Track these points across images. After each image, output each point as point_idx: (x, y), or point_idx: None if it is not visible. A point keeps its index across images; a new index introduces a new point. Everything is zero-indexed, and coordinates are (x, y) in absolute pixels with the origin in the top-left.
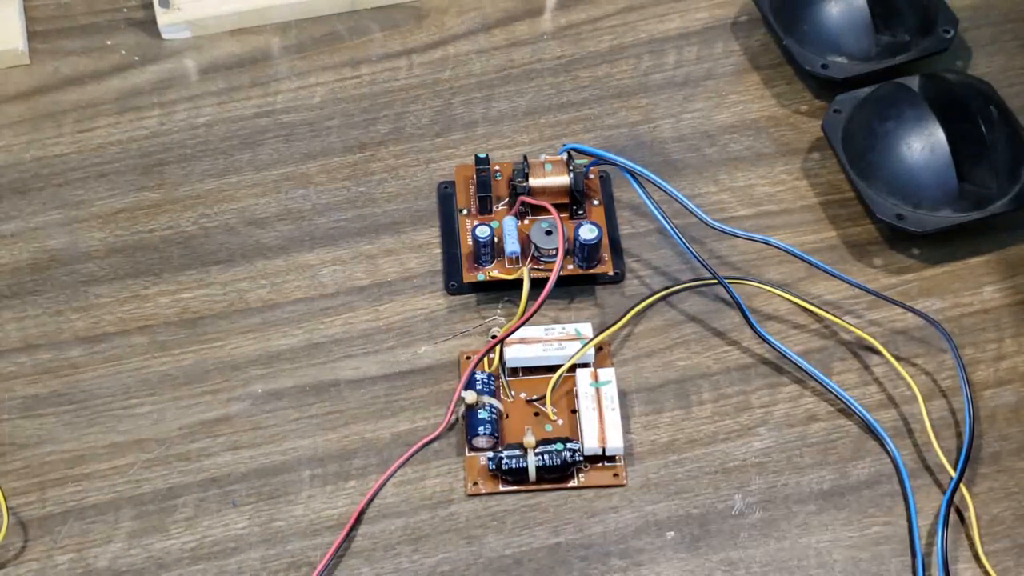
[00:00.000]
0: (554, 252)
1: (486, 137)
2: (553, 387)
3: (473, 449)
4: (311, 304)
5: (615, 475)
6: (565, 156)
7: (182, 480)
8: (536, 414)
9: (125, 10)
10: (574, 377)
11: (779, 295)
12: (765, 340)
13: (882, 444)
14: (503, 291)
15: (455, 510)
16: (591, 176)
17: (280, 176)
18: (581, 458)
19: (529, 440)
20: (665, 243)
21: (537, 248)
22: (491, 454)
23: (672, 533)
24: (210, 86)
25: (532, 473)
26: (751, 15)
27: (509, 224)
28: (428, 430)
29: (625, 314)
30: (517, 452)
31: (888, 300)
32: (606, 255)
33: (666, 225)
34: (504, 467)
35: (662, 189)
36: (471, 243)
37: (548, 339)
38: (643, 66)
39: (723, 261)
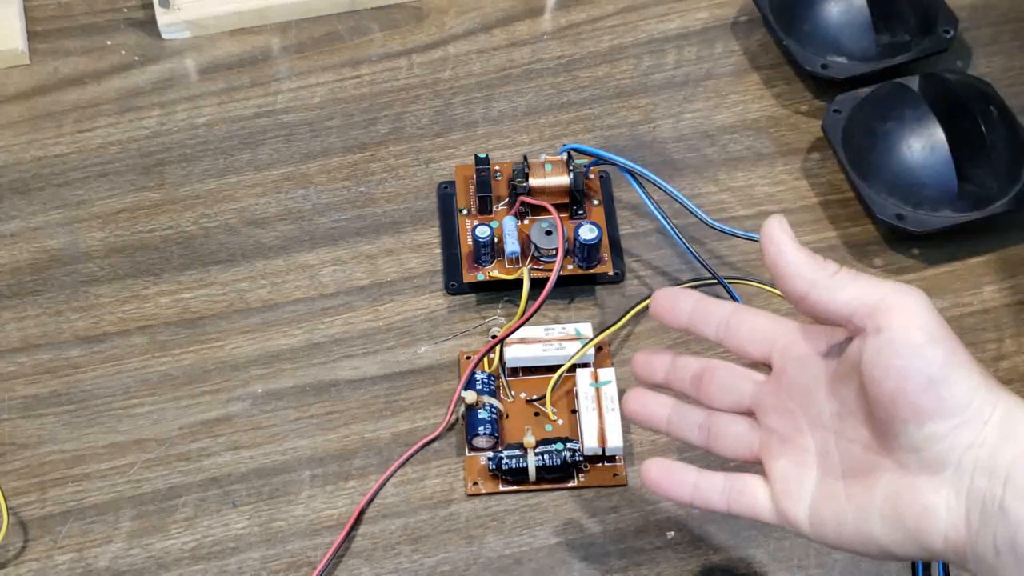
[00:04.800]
0: (554, 252)
1: (486, 137)
2: (553, 387)
3: (473, 449)
4: (311, 304)
5: (615, 475)
6: (565, 156)
7: (182, 480)
8: (536, 414)
9: (125, 10)
10: (574, 377)
11: (779, 295)
12: None
13: None
14: (503, 291)
15: (455, 510)
16: (591, 176)
17: (280, 176)
18: (581, 458)
19: (529, 440)
20: (665, 243)
21: (537, 248)
22: (491, 454)
23: (672, 533)
24: (210, 86)
25: (532, 473)
26: (751, 15)
27: (509, 224)
28: (428, 430)
29: (625, 314)
30: (517, 452)
31: None
32: (606, 255)
33: (666, 225)
34: (504, 467)
35: (662, 189)
36: (471, 243)
37: (548, 339)
38: (643, 66)
39: (723, 261)
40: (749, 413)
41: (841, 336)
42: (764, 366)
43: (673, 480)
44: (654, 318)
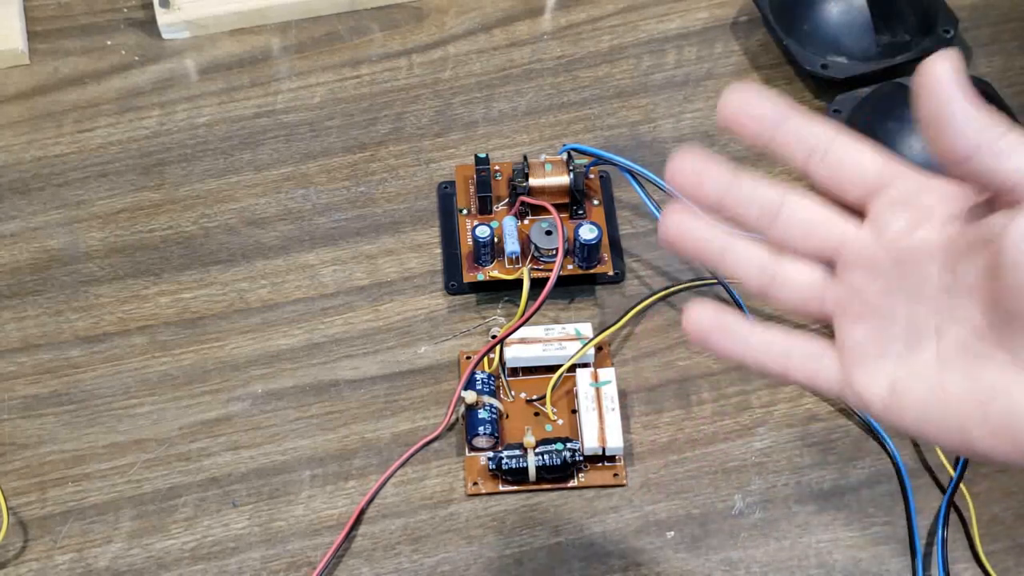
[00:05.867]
0: (554, 252)
1: (486, 137)
2: (553, 387)
3: (473, 449)
4: (311, 304)
5: (615, 475)
6: (565, 156)
7: (182, 480)
8: (536, 414)
9: (125, 10)
10: (574, 377)
11: None
12: None
13: (882, 444)
14: (503, 291)
15: (455, 510)
16: (591, 176)
17: (280, 176)
18: (581, 458)
19: (529, 440)
20: None
21: (537, 248)
22: (491, 454)
23: (672, 533)
24: (210, 86)
25: (532, 473)
26: (751, 15)
27: (509, 224)
28: (428, 430)
29: (625, 314)
30: (517, 452)
31: None
32: (606, 255)
33: None
34: (504, 467)
35: (662, 189)
36: (471, 243)
37: (548, 339)
38: (643, 66)
39: None
40: (827, 262)
41: (977, 199)
42: (858, 211)
43: (722, 330)
44: (721, 125)
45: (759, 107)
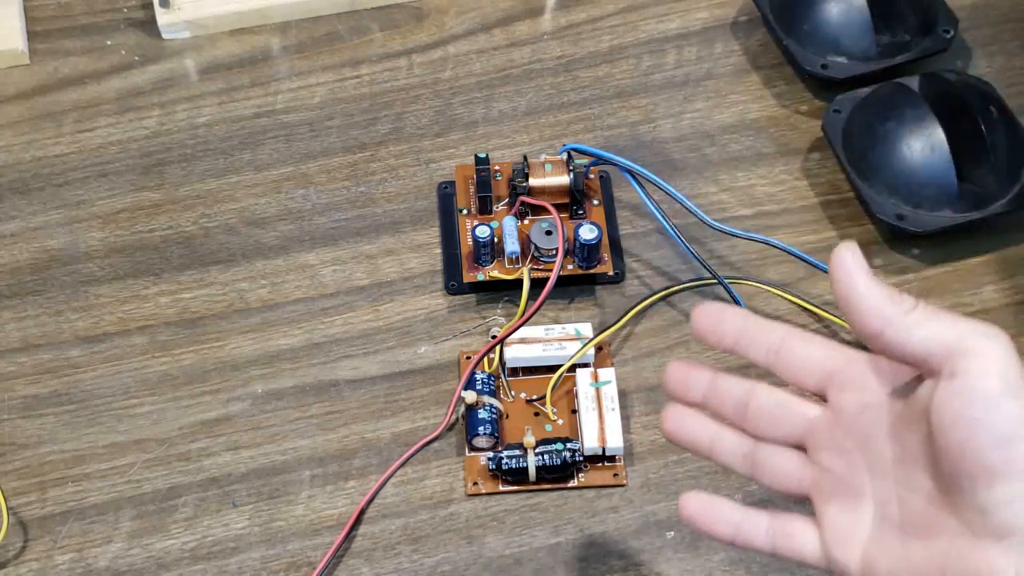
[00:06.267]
0: (554, 252)
1: (486, 137)
2: (553, 387)
3: (473, 449)
4: (311, 304)
5: (615, 475)
6: (565, 156)
7: (182, 480)
8: (536, 414)
9: (125, 10)
10: (574, 377)
11: (779, 295)
12: None
13: None
14: (503, 291)
15: (455, 510)
16: (591, 176)
17: (280, 176)
18: (581, 458)
19: (529, 440)
20: (665, 243)
21: (537, 248)
22: (491, 454)
23: (672, 533)
24: (210, 86)
25: (532, 473)
26: (751, 15)
27: (509, 224)
28: (428, 430)
29: (625, 314)
30: (517, 452)
31: None
32: (606, 255)
33: (666, 225)
34: (504, 467)
35: (662, 189)
36: (471, 243)
37: (548, 339)
38: (643, 66)
39: (723, 261)
40: (799, 446)
41: (910, 375)
42: (818, 397)
43: (714, 517)
44: (696, 337)
45: (722, 322)
